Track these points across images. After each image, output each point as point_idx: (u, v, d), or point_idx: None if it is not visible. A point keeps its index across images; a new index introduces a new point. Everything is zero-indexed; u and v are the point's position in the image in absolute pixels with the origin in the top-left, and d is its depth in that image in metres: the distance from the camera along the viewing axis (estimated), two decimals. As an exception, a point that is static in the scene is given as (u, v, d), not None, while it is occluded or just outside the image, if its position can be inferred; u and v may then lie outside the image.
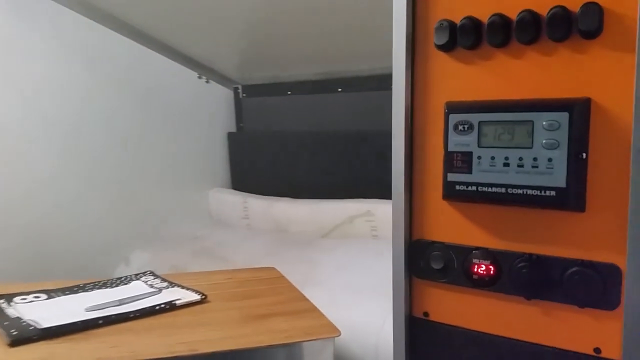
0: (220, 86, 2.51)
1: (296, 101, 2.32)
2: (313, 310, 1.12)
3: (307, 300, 1.17)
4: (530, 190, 0.61)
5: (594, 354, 0.62)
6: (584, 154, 0.59)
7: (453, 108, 0.67)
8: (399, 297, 0.76)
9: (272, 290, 1.26)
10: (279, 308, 1.13)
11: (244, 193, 2.46)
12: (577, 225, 0.62)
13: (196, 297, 1.18)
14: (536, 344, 0.66)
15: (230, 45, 2.22)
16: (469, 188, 0.66)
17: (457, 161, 0.66)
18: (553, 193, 0.60)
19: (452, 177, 0.67)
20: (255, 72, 2.44)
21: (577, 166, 0.59)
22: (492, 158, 0.64)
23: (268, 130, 2.47)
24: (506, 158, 0.63)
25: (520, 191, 0.62)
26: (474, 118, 0.65)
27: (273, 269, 1.44)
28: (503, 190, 0.63)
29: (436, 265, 0.72)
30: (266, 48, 2.19)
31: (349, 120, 2.16)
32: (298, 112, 2.32)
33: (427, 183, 0.72)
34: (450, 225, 0.71)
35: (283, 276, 1.36)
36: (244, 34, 2.10)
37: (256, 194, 2.42)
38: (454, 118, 0.66)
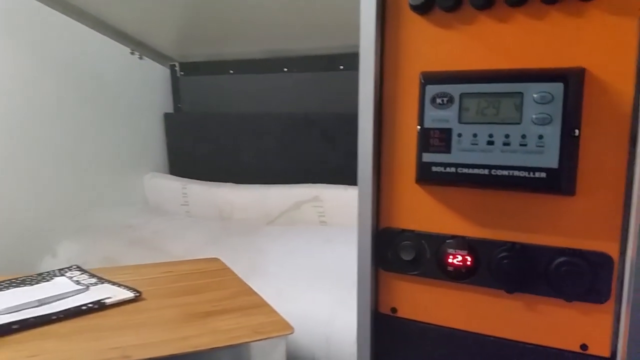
0: (155, 63, 2.34)
1: (239, 81, 2.19)
2: (263, 305, 1.02)
3: (255, 294, 1.08)
4: (517, 172, 0.54)
5: (580, 350, 0.57)
6: (577, 131, 0.53)
7: (430, 78, 0.59)
8: (364, 292, 0.67)
9: (216, 284, 1.15)
10: (224, 304, 1.02)
11: (183, 178, 2.32)
12: (566, 210, 0.56)
13: (129, 294, 1.05)
14: (517, 342, 0.60)
15: (166, 18, 2.04)
16: (447, 169, 0.58)
17: (434, 139, 0.58)
18: (543, 175, 0.53)
19: (427, 157, 0.59)
20: (194, 48, 2.28)
21: (570, 144, 0.53)
22: (475, 135, 0.56)
23: (208, 111, 2.33)
24: (490, 135, 0.55)
25: (505, 172, 0.55)
26: (455, 90, 0.57)
27: (217, 260, 1.33)
28: (486, 171, 0.56)
29: (406, 256, 0.64)
30: (206, 22, 2.03)
31: (296, 102, 2.06)
32: (241, 92, 2.20)
33: (397, 165, 0.64)
34: (423, 212, 0.63)
35: (228, 268, 1.26)
36: (182, 6, 1.94)
37: (196, 179, 2.29)
38: (432, 90, 0.58)
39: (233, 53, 2.16)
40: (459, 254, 0.61)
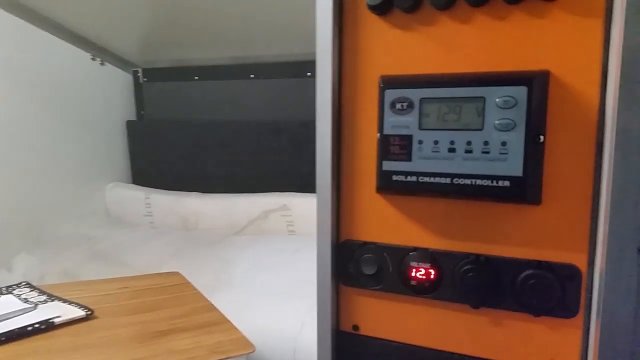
0: (117, 69, 2.27)
1: (204, 87, 2.14)
2: (223, 322, 0.97)
3: (215, 310, 1.02)
4: (480, 180, 0.52)
5: (549, 368, 0.54)
6: (542, 137, 0.50)
7: (389, 83, 0.55)
8: (324, 309, 0.64)
9: (175, 300, 1.09)
10: (183, 322, 0.97)
11: (147, 188, 2.25)
12: (531, 220, 0.53)
13: (80, 312, 0.99)
14: (481, 359, 0.57)
15: (129, 22, 1.98)
16: (408, 178, 0.55)
17: (394, 146, 0.55)
18: (507, 183, 0.51)
19: (388, 165, 0.56)
20: (158, 54, 2.22)
21: (535, 151, 0.50)
22: (436, 142, 0.53)
23: (173, 119, 2.27)
24: (452, 142, 0.53)
25: (468, 181, 0.52)
26: (414, 94, 0.54)
27: (177, 274, 1.27)
28: (448, 180, 0.53)
29: (368, 270, 0.60)
30: (171, 27, 1.98)
31: (263, 109, 2.02)
32: (207, 99, 2.14)
33: (357, 174, 0.61)
34: (385, 223, 0.60)
35: (188, 282, 1.20)
36: (146, 11, 1.88)
37: (160, 188, 2.22)
38: (391, 95, 0.55)
39: (198, 59, 2.11)
40: (422, 267, 0.58)
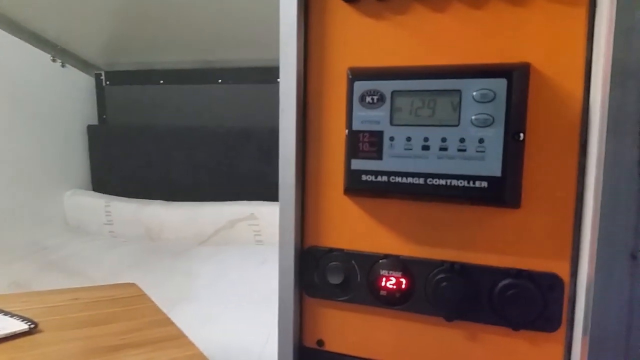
0: (79, 72, 2.20)
1: (170, 92, 2.08)
2: (179, 337, 0.90)
3: (172, 324, 0.95)
4: (456, 181, 0.47)
5: (528, 386, 0.50)
6: (522, 135, 0.47)
7: (359, 74, 0.51)
8: (285, 322, 0.58)
9: (128, 313, 1.01)
10: (135, 337, 0.90)
11: (107, 195, 2.16)
12: (510, 225, 0.49)
13: (22, 326, 0.90)
14: (458, 377, 0.52)
15: (91, 22, 1.90)
16: (379, 178, 0.50)
17: (364, 143, 0.51)
18: (485, 184, 0.46)
19: (357, 164, 0.51)
20: (122, 56, 2.15)
21: (515, 150, 0.46)
22: (408, 139, 0.49)
23: (136, 124, 2.19)
24: (425, 139, 0.48)
25: (442, 182, 0.48)
26: (385, 87, 0.49)
27: (133, 285, 1.19)
28: (421, 180, 0.49)
29: (334, 280, 0.55)
30: (135, 29, 1.91)
31: (231, 115, 1.96)
32: (172, 104, 2.08)
33: (324, 174, 0.56)
34: (353, 228, 0.55)
35: (144, 294, 1.12)
36: (110, 10, 1.80)
37: (122, 196, 2.14)
38: (360, 87, 0.50)
39: (164, 62, 2.04)
40: (393, 276, 0.53)
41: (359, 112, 0.50)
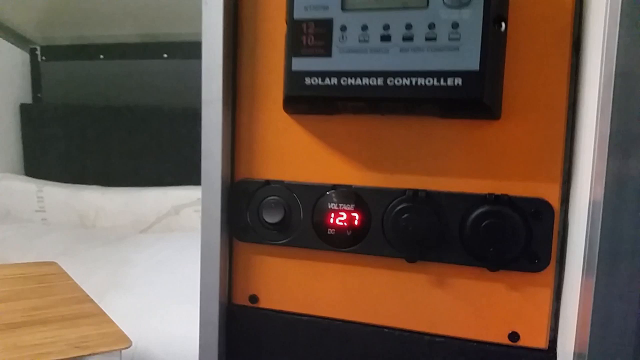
0: (11, 46, 2.05)
1: (110, 68, 1.96)
2: (97, 314, 0.77)
3: (90, 301, 0.83)
4: (423, 79, 0.37)
5: (508, 342, 0.40)
6: (504, 24, 0.37)
7: (303, -50, 0.40)
8: (210, 275, 0.47)
9: (41, 290, 0.88)
10: (43, 314, 0.77)
11: (40, 180, 2.01)
12: (488, 141, 0.40)
13: None
14: (422, 334, 0.42)
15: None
16: (327, 81, 0.40)
17: (309, 36, 0.40)
18: (459, 81, 0.37)
19: (299, 64, 0.40)
20: (59, 29, 2.01)
21: (496, 39, 0.37)
22: (364, 28, 0.39)
23: (73, 103, 2.05)
24: (386, 27, 0.38)
25: (407, 81, 0.38)
26: (337, -37, 0.39)
27: (53, 263, 1.05)
28: (380, 81, 0.38)
29: (271, 218, 0.45)
30: (73, 0, 1.76)
31: (177, 93, 1.83)
32: (113, 81, 1.95)
33: (259, 86, 0.45)
34: (295, 154, 0.45)
35: (64, 272, 0.99)
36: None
37: (55, 181, 1.98)
38: (305, -36, 0.40)
39: (104, 36, 1.91)
40: (344, 211, 0.43)
41: (303, -4, 0.40)
